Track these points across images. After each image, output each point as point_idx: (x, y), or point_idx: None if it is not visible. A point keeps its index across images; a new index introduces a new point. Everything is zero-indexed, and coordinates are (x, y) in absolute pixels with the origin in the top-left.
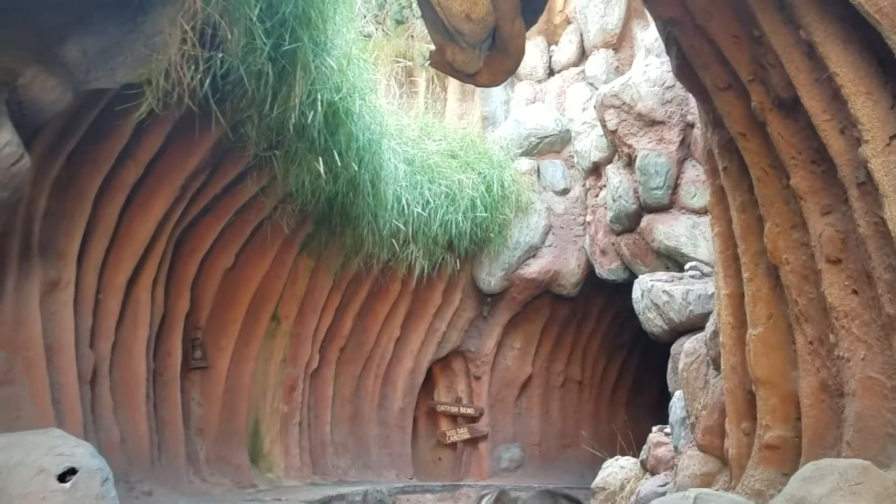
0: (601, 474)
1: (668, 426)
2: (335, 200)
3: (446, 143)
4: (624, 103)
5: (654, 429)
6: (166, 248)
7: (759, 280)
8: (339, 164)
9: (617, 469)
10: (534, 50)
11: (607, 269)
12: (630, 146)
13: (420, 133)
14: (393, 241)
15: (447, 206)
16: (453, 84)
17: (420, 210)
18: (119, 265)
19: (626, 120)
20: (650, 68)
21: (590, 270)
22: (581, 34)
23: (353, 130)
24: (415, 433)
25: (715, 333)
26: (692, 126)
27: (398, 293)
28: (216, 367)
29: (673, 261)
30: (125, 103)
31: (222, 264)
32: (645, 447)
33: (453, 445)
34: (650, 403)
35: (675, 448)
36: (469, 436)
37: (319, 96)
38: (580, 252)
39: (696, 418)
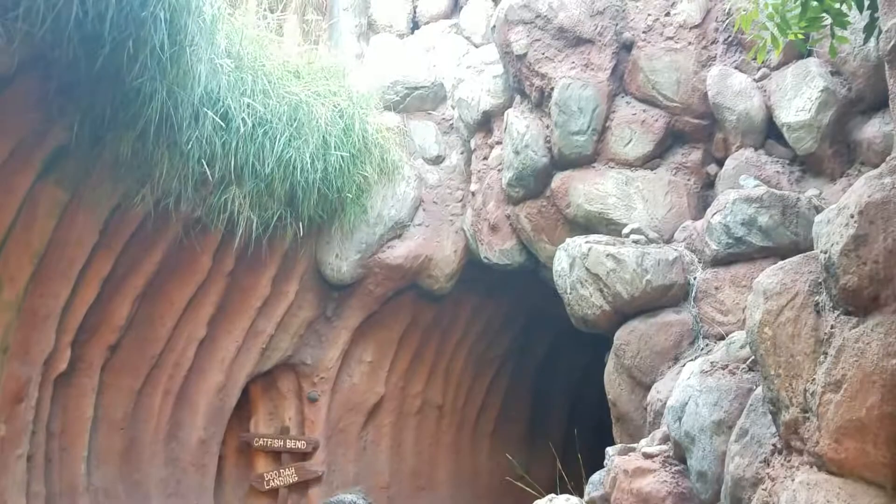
0: None
1: (654, 441)
2: (99, 45)
3: (288, 60)
4: (538, 16)
5: (612, 451)
6: None
7: None
8: None
9: None
10: None
11: (498, 250)
12: (544, 76)
13: (251, 41)
14: (205, 164)
15: (290, 136)
16: (292, 23)
17: (250, 127)
18: None
19: (540, 39)
20: None
21: (468, 259)
22: None
23: None
24: (220, 477)
25: (858, 241)
26: (629, 48)
27: (208, 270)
28: None
29: (594, 233)
30: None
31: None
32: (598, 479)
33: (274, 493)
34: (518, 433)
35: (699, 475)
36: (297, 479)
37: None
38: (457, 235)
39: (806, 412)
